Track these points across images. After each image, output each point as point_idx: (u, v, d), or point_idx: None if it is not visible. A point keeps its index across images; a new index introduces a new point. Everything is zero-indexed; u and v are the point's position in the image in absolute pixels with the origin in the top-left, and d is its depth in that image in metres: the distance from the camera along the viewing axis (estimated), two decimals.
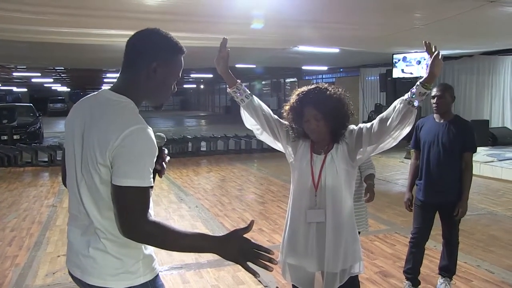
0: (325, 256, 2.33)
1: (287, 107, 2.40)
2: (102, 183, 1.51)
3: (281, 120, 2.46)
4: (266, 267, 1.48)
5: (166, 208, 6.63)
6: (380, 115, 2.21)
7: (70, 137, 1.62)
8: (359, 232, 3.30)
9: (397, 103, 2.14)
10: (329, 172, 2.31)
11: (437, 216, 3.65)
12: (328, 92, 2.31)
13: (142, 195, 1.46)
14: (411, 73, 11.33)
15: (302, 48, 10.10)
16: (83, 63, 14.70)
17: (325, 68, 18.63)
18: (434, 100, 3.46)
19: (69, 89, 39.34)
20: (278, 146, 2.49)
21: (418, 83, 2.11)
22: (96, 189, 1.52)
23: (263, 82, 28.42)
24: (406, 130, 2.16)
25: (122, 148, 1.44)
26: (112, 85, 1.65)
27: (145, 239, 1.50)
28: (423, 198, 3.58)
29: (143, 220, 1.46)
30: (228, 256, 1.50)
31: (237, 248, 1.50)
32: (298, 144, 2.42)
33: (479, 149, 10.38)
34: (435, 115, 3.56)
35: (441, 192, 3.49)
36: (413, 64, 11.25)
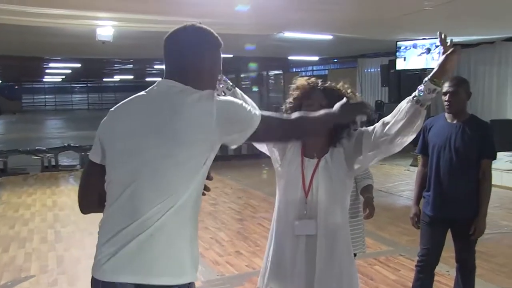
0: (316, 276, 2.34)
1: (291, 96, 2.50)
2: (175, 173, 1.77)
3: None
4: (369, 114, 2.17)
5: None
6: (384, 118, 2.29)
7: (126, 144, 1.83)
8: (354, 255, 3.35)
9: (403, 103, 2.22)
10: (322, 179, 2.37)
11: (449, 235, 3.68)
12: (338, 87, 2.45)
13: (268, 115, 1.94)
14: (419, 65, 11.43)
15: (289, 34, 10.15)
16: (19, 49, 14.44)
17: (316, 58, 18.75)
18: (446, 97, 3.47)
19: None
20: (264, 148, 2.54)
21: (426, 78, 2.20)
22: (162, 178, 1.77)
23: (242, 75, 28.45)
24: (413, 134, 2.24)
25: (223, 121, 1.79)
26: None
27: (306, 133, 2.12)
28: (432, 213, 3.61)
29: (290, 121, 2.01)
30: (349, 118, 2.20)
31: (351, 109, 2.14)
32: (286, 146, 2.48)
33: (500, 154, 10.50)
34: (446, 115, 3.58)
35: (453, 206, 3.51)
36: (421, 54, 11.36)
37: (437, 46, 10.91)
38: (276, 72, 25.32)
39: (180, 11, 6.83)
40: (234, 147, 1.92)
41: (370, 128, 2.33)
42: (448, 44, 2.21)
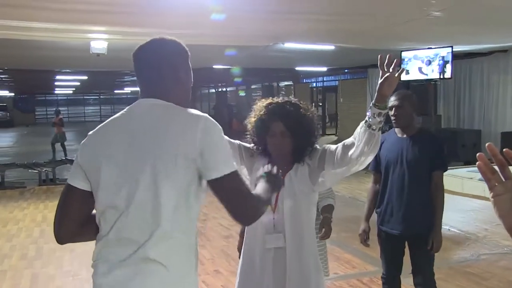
0: (286, 284, 2.54)
1: (253, 119, 2.66)
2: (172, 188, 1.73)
3: (230, 139, 2.60)
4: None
5: None
6: (345, 140, 2.47)
7: (112, 167, 1.78)
8: None
9: (359, 128, 2.37)
10: (287, 195, 2.57)
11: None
12: (300, 109, 2.61)
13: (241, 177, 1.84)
14: (422, 76, 11.21)
15: (289, 45, 10.08)
16: (28, 63, 14.65)
17: (324, 69, 18.66)
18: (392, 112, 3.53)
19: (12, 94, 38.97)
20: None
21: (371, 103, 2.34)
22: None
23: (253, 87, 28.56)
24: (372, 154, 2.38)
25: (206, 141, 1.75)
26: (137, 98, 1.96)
27: (258, 216, 1.87)
28: (386, 229, 3.66)
29: (255, 199, 1.85)
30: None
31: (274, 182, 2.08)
32: (253, 162, 2.67)
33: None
34: (396, 129, 3.63)
35: (407, 221, 3.55)
36: (422, 65, 11.14)
37: (442, 58, 10.83)
38: (287, 83, 25.33)
39: (164, 24, 6.84)
40: (208, 178, 1.76)
41: (333, 147, 2.53)
42: (392, 66, 2.31)
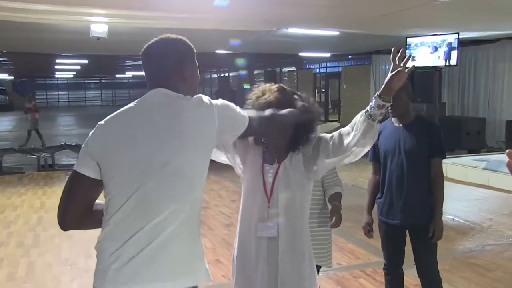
0: (279, 276, 2.51)
1: (249, 106, 2.58)
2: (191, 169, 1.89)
3: None
4: None
5: None
6: (341, 129, 2.44)
7: (129, 156, 1.87)
8: (319, 267, 3.27)
9: (358, 117, 2.34)
10: (282, 184, 2.54)
11: None
12: (300, 98, 2.58)
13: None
14: (428, 62, 11.10)
15: (293, 30, 10.00)
16: (27, 46, 14.56)
17: (328, 55, 18.54)
18: None
19: (12, 77, 38.71)
20: (223, 159, 2.62)
21: (376, 94, 2.31)
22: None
23: (255, 72, 28.43)
24: (368, 145, 2.37)
25: (223, 119, 1.94)
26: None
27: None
28: (387, 219, 3.62)
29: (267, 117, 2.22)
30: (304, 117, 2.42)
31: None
32: (247, 152, 2.62)
33: None
34: (393, 118, 3.59)
35: (407, 211, 3.51)
36: (429, 52, 11.04)
37: (449, 44, 10.73)
38: (290, 68, 25.24)
39: (166, 7, 6.77)
40: (234, 139, 2.10)
41: (328, 136, 2.50)
42: (404, 60, 2.28)
